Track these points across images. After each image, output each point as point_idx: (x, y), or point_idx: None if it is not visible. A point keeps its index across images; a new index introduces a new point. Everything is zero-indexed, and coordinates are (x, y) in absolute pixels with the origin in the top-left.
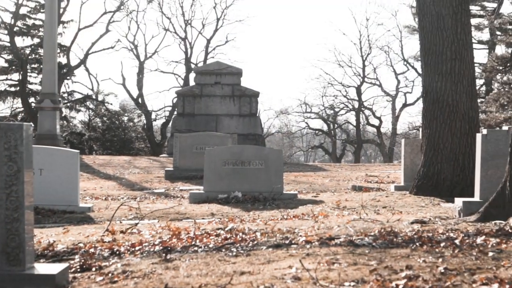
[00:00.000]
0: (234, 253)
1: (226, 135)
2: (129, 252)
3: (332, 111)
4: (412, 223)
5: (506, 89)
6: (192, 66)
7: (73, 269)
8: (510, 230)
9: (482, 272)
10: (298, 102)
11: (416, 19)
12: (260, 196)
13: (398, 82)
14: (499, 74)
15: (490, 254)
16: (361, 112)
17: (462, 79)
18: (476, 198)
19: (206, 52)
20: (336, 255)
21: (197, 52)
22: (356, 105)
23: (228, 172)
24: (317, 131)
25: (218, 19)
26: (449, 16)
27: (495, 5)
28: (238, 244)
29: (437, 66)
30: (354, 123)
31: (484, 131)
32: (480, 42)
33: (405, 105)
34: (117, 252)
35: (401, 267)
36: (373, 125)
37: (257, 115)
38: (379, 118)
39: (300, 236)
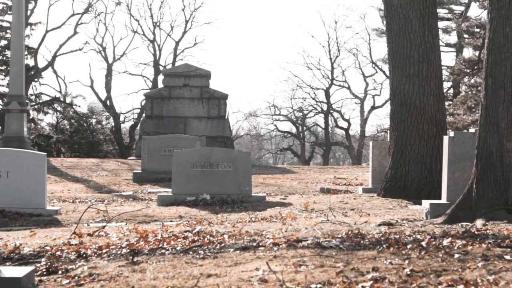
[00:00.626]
0: (202, 256)
1: (194, 138)
2: (96, 255)
3: (300, 114)
4: (379, 225)
5: (474, 92)
6: (161, 68)
7: (39, 272)
8: (476, 232)
9: (448, 274)
10: (267, 105)
11: (384, 22)
12: (228, 199)
13: (367, 84)
14: (467, 77)
15: (456, 256)
16: (329, 115)
17: (430, 82)
18: (443, 200)
19: (175, 54)
20: (303, 257)
21: (165, 54)
22: (325, 107)
23: (197, 174)
24: (286, 134)
25: (186, 21)
26: (417, 19)
27: (462, 8)
28: (206, 247)
29: (405, 68)
30: (323, 126)
31: (451, 134)
32: (447, 45)
33: (373, 107)
34: (84, 255)
35: (368, 269)
36: (341, 128)
37: (226, 117)
38: (347, 121)
39: (268, 238)
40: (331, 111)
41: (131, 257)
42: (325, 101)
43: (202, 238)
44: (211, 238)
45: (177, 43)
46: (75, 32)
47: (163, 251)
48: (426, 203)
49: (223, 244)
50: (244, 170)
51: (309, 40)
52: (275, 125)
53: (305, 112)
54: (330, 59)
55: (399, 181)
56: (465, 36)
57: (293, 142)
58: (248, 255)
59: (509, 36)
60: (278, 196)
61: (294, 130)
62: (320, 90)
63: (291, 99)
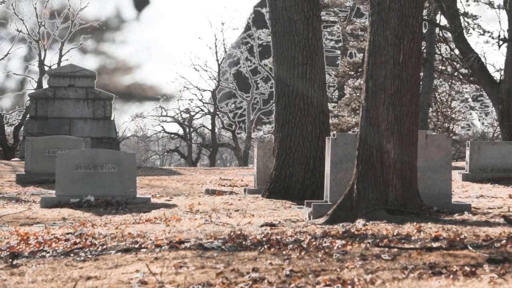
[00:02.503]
0: (82, 258)
1: (79, 139)
2: None
3: (187, 115)
4: (262, 226)
5: (358, 94)
6: (46, 68)
7: None
8: (356, 232)
9: (326, 274)
10: (153, 106)
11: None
12: (113, 200)
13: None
14: (351, 79)
15: (335, 255)
16: (216, 116)
17: (314, 84)
18: (326, 201)
19: (60, 54)
20: (185, 259)
21: (51, 54)
22: (212, 109)
23: (81, 176)
24: (172, 135)
25: (72, 21)
26: (301, 21)
27: (347, 11)
28: (87, 249)
29: (289, 70)
30: (210, 127)
31: (334, 135)
32: (332, 47)
33: (260, 109)
34: None
35: (248, 269)
36: (228, 129)
37: (112, 118)
38: (234, 122)
39: (150, 240)
40: (218, 112)
41: (10, 260)
42: (212, 102)
43: (84, 240)
44: (93, 240)
45: (62, 44)
46: None
47: (44, 253)
48: (309, 204)
49: (105, 246)
50: (129, 172)
51: (196, 41)
52: (162, 126)
53: (192, 113)
54: (217, 60)
55: (283, 182)
56: (350, 39)
57: (180, 144)
58: (129, 257)
59: (389, 39)
60: (163, 198)
61: (181, 132)
62: (207, 92)
63: (178, 100)
